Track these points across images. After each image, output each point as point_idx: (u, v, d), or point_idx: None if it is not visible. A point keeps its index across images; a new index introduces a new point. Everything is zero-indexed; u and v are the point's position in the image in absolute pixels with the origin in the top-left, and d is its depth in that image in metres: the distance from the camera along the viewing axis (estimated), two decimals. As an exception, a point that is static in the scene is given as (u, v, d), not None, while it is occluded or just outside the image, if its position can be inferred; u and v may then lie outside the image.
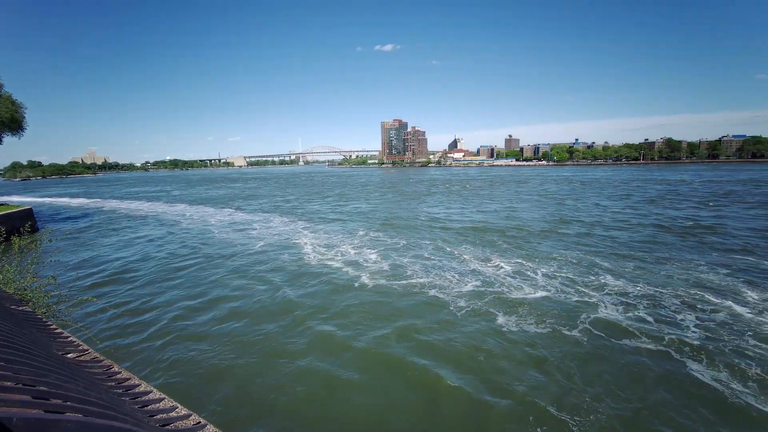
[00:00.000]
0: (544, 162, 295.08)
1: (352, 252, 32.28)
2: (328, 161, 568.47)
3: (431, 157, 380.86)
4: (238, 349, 16.49)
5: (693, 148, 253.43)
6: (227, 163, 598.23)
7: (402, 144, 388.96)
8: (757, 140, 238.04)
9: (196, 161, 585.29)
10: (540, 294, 21.40)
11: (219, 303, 22.05)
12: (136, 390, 5.62)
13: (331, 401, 13.13)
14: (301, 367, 15.07)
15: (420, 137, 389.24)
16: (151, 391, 5.56)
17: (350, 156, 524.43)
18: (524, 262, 27.61)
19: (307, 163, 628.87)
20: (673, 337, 16.07)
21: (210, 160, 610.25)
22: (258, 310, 20.82)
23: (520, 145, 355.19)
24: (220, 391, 13.68)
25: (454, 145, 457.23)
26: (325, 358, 15.73)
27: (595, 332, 16.82)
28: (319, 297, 22.40)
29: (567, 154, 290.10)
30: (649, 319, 17.83)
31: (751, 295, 20.53)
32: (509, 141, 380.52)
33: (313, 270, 27.55)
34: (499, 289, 22.23)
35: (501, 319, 18.33)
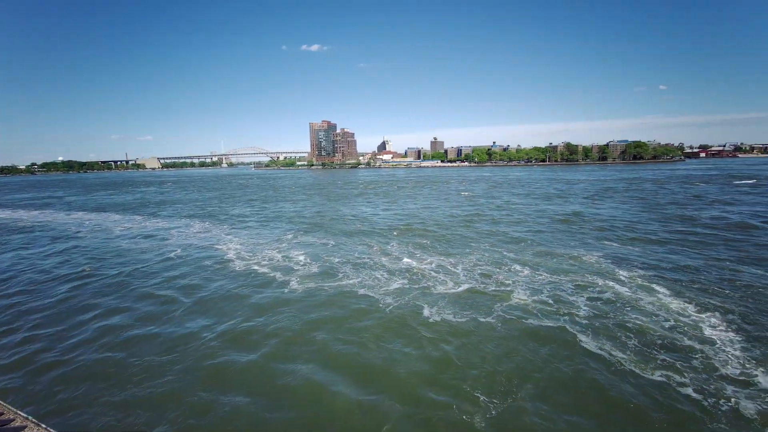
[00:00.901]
0: (466, 163, 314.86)
1: (280, 256, 31.38)
2: (255, 163, 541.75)
3: (361, 158, 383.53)
4: (123, 368, 15.24)
5: (587, 152, 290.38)
6: (137, 165, 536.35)
7: (331, 145, 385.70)
8: (637, 144, 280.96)
9: (96, 163, 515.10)
10: (460, 288, 22.91)
11: (111, 318, 20.04)
12: None
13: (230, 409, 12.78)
14: (208, 379, 14.36)
15: (349, 139, 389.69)
16: (13, 419, 5.01)
17: (278, 157, 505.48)
18: (445, 258, 29.34)
19: (231, 165, 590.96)
20: (567, 316, 18.42)
21: (115, 162, 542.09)
22: (165, 324, 19.28)
23: (445, 147, 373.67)
24: (102, 414, 12.59)
25: (382, 147, 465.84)
26: (240, 364, 15.17)
27: (507, 317, 18.57)
28: (244, 305, 21.45)
29: (486, 156, 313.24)
30: (550, 301, 20.19)
31: (623, 273, 24.38)
32: (434, 143, 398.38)
33: (238, 276, 26.27)
34: (425, 284, 23.36)
35: (426, 312, 19.32)
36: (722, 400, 12.20)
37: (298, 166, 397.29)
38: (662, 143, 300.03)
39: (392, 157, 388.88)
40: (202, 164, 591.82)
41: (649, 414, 11.89)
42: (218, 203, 78.39)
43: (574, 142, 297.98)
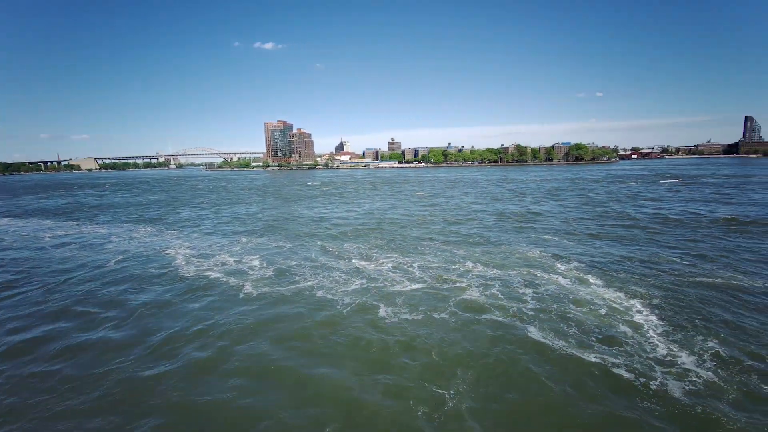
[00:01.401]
0: (423, 164, 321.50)
1: (233, 260, 30.25)
2: (206, 164, 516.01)
3: (318, 159, 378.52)
4: (50, 383, 14.19)
5: (535, 153, 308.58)
6: (71, 166, 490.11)
7: (288, 146, 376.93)
8: (578, 146, 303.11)
9: (24, 164, 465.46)
10: (416, 286, 23.41)
11: (36, 331, 18.40)
12: None
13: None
14: (159, 398, 13.55)
15: (306, 139, 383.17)
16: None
17: (231, 158, 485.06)
18: (402, 257, 29.85)
19: (180, 166, 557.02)
20: (515, 309, 19.47)
21: (45, 163, 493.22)
22: (102, 335, 17.99)
23: (402, 148, 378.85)
24: (29, 430, 11.77)
25: (340, 148, 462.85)
26: (192, 383, 14.40)
27: (460, 312, 19.28)
28: (193, 312, 20.48)
29: (442, 157, 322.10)
30: (500, 295, 21.22)
31: (564, 267, 26.23)
32: (392, 144, 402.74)
33: (187, 283, 24.99)
34: (381, 284, 23.61)
35: (382, 311, 19.55)
36: (651, 381, 13.39)
37: (253, 167, 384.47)
38: (600, 145, 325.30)
39: (350, 158, 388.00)
40: (147, 165, 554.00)
41: (586, 396, 12.90)
42: (165, 206, 73.93)
43: (523, 144, 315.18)
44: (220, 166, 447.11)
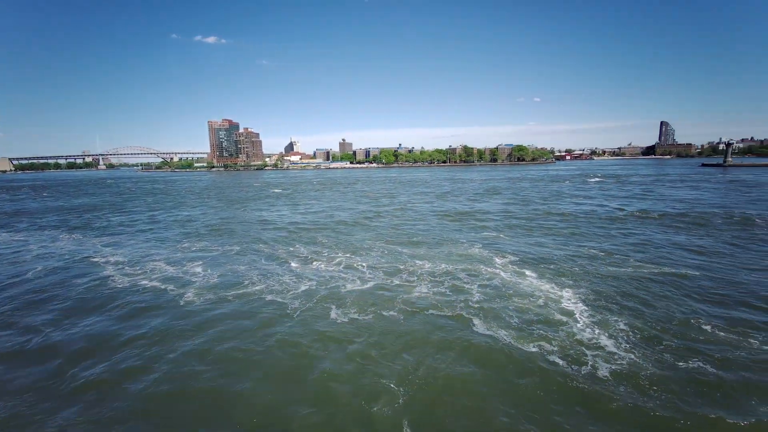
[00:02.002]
0: (374, 164, 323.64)
1: (173, 268, 28.41)
2: (142, 164, 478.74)
3: (267, 159, 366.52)
4: None
5: (481, 154, 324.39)
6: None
7: (234, 146, 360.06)
8: (520, 148, 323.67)
9: None
10: (366, 285, 23.59)
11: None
12: None
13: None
14: (55, 423, 12.40)
15: (254, 139, 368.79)
16: None
17: (172, 158, 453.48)
18: (352, 256, 29.93)
19: (111, 166, 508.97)
20: (462, 303, 20.34)
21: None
22: (5, 359, 16.28)
23: (354, 148, 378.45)
24: None
25: (290, 148, 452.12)
26: (100, 405, 13.22)
27: (409, 310, 19.74)
28: (127, 324, 19.00)
29: (393, 158, 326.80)
30: (447, 292, 22.02)
31: (502, 261, 27.88)
32: (343, 144, 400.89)
33: (118, 293, 23.10)
34: (332, 285, 23.50)
35: (333, 313, 19.47)
36: (582, 366, 14.49)
37: (197, 167, 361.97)
38: (539, 147, 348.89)
39: (301, 159, 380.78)
40: (72, 165, 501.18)
41: (524, 383, 13.79)
42: (93, 211, 67.37)
43: (470, 145, 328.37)
44: (158, 167, 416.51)
